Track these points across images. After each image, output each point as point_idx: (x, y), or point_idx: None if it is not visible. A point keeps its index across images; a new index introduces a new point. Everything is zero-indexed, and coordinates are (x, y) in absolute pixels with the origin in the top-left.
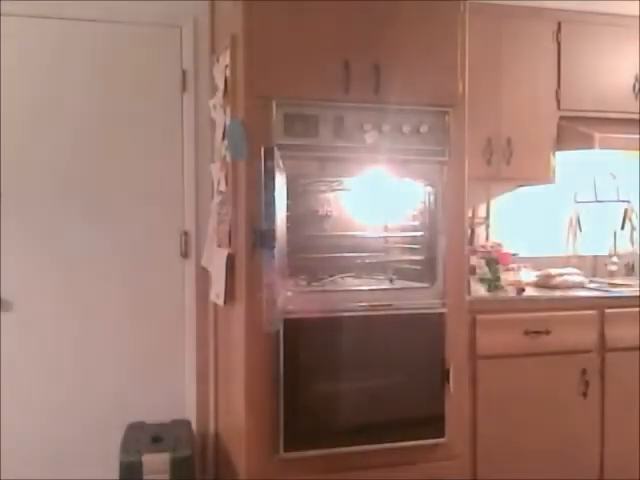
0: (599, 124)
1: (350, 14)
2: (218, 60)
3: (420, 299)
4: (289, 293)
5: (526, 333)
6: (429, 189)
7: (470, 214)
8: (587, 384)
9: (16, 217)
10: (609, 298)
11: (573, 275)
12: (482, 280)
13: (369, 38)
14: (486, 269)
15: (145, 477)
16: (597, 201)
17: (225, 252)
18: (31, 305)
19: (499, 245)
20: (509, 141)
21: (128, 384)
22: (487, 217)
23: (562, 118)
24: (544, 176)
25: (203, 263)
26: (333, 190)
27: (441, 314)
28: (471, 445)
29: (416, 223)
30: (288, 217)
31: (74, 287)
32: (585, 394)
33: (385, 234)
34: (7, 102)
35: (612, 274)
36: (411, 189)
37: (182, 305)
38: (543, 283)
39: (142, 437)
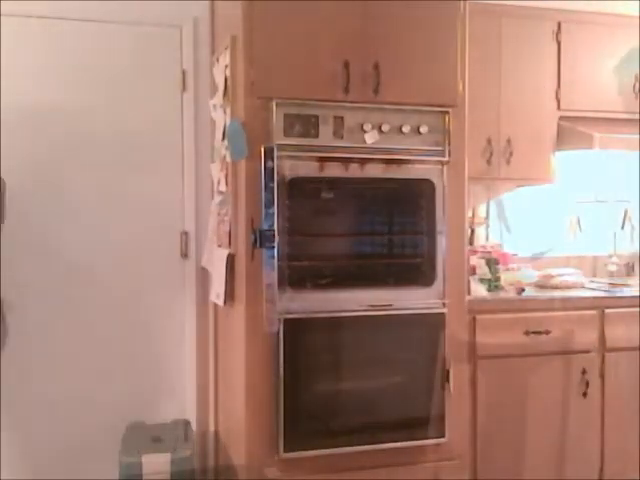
0: (599, 124)
1: (350, 14)
2: (218, 60)
3: (420, 299)
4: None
5: (526, 333)
6: (429, 189)
7: (470, 214)
8: (587, 384)
9: (16, 217)
10: (609, 298)
11: (573, 275)
12: (482, 280)
13: (369, 38)
14: (486, 269)
15: (145, 477)
16: (597, 201)
17: (225, 252)
18: (31, 305)
19: (499, 245)
20: (509, 141)
21: (128, 384)
22: (487, 217)
23: (562, 118)
24: (544, 176)
25: (203, 263)
26: (333, 190)
27: (441, 314)
28: (471, 445)
29: (416, 223)
30: (288, 217)
31: (74, 287)
32: (585, 394)
33: (385, 234)
34: (7, 102)
35: (612, 274)
36: (411, 189)
37: (182, 305)
38: (543, 283)
39: (142, 437)
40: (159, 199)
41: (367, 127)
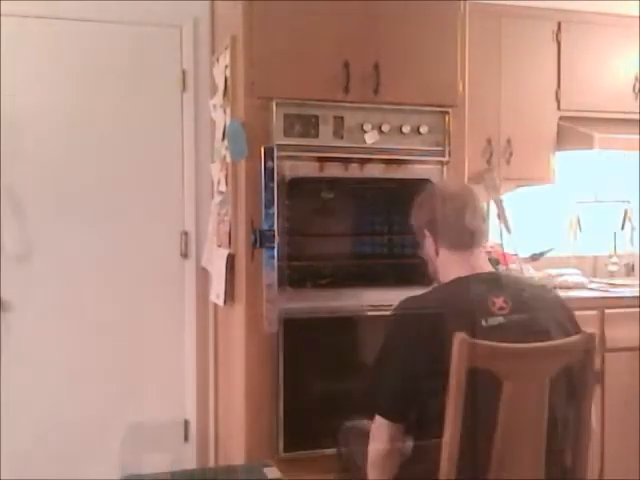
0: (599, 124)
1: (350, 14)
2: (218, 60)
3: None
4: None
5: None
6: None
7: None
8: None
9: (16, 217)
10: (609, 298)
11: (573, 275)
12: None
13: (369, 38)
14: None
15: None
16: (597, 201)
17: (225, 252)
18: (31, 305)
19: (499, 245)
20: (509, 141)
21: (128, 384)
22: (487, 217)
23: (562, 118)
24: (544, 176)
25: (203, 263)
26: (333, 190)
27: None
28: None
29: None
30: (288, 217)
31: (74, 287)
32: None
33: (385, 234)
34: (6, 102)
35: (612, 274)
36: (411, 189)
37: (182, 305)
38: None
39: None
40: (159, 199)
41: (367, 127)
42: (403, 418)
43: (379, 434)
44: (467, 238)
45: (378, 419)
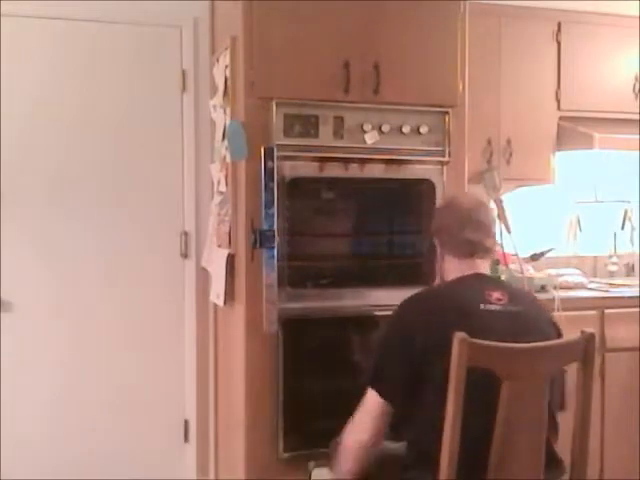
0: (599, 124)
1: (350, 14)
2: (218, 60)
3: None
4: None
5: None
6: (429, 189)
7: None
8: None
9: (16, 217)
10: (609, 298)
11: (573, 275)
12: None
13: (369, 38)
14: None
15: None
16: (597, 201)
17: (225, 252)
18: (31, 305)
19: (499, 245)
20: (509, 141)
21: (128, 384)
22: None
23: (562, 118)
24: (544, 176)
25: (203, 263)
26: (333, 190)
27: None
28: None
29: (416, 223)
30: (288, 217)
31: (74, 287)
32: None
33: (385, 234)
34: (7, 102)
35: (612, 274)
36: (411, 189)
37: (182, 305)
38: (543, 283)
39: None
40: (159, 199)
41: (367, 127)
42: (395, 397)
43: (372, 407)
44: (467, 248)
45: (372, 393)
